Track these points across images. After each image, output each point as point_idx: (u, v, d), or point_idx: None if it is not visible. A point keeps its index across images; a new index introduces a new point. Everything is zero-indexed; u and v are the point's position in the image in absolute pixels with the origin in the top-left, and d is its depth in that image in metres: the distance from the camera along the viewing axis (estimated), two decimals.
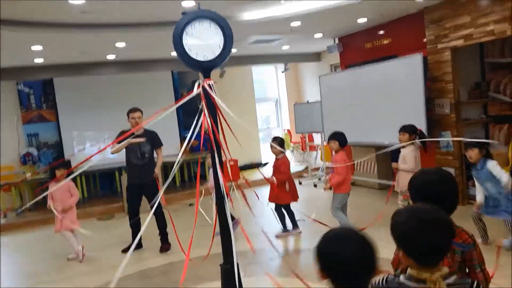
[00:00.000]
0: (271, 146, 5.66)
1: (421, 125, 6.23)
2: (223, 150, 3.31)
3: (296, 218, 5.75)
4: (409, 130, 5.14)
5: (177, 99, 10.19)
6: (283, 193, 5.54)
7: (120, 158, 5.82)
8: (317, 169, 9.88)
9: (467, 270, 1.92)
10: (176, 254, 5.17)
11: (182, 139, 10.46)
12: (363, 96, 7.34)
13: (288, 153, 11.36)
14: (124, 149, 5.52)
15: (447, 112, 6.31)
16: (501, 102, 6.53)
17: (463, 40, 5.90)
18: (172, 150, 10.11)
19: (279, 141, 5.64)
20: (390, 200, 5.36)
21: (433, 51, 6.40)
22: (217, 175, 3.20)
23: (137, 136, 5.48)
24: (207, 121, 3.17)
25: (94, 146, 9.38)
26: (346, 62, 8.64)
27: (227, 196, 3.18)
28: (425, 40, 6.54)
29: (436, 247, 1.48)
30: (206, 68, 3.22)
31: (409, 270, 1.56)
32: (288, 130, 11.69)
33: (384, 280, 1.66)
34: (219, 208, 3.23)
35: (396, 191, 5.31)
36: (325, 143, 9.34)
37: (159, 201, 5.42)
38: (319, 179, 9.24)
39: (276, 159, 5.70)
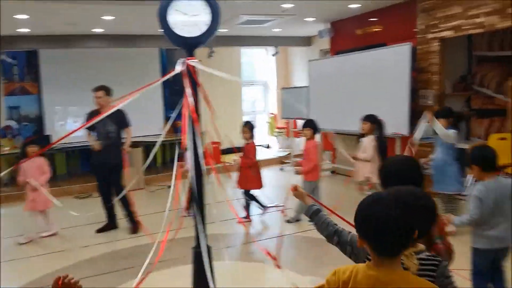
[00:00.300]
0: (243, 131, 5.66)
1: (404, 116, 6.28)
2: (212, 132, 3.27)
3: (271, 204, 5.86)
4: (371, 120, 5.27)
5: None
6: (250, 179, 5.53)
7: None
8: (299, 155, 9.90)
9: None
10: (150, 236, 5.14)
11: (167, 119, 10.37)
12: (351, 83, 7.33)
13: (273, 139, 11.38)
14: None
15: (431, 104, 6.34)
16: (485, 95, 6.58)
17: (453, 31, 5.90)
18: (156, 130, 10.02)
19: (249, 127, 5.66)
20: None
21: (422, 41, 6.40)
22: (195, 157, 3.17)
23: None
24: (188, 101, 3.11)
25: (76, 122, 9.23)
26: (336, 48, 8.61)
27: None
28: (415, 29, 6.53)
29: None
30: (190, 45, 3.16)
31: None
32: (274, 115, 11.66)
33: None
34: (195, 190, 3.21)
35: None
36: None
37: (120, 182, 5.39)
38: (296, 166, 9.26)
39: (246, 144, 5.69)
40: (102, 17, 6.96)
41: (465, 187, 4.84)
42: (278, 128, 11.41)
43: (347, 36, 8.26)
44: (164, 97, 10.01)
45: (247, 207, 5.71)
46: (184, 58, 3.17)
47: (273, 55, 11.21)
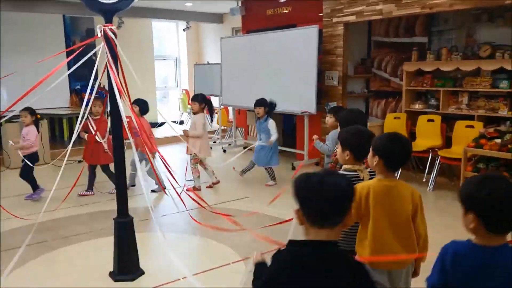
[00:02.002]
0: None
1: (312, 95, 6.68)
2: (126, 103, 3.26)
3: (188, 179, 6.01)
4: (199, 100, 5.69)
5: (68, 46, 9.48)
6: (102, 154, 5.38)
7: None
8: (213, 132, 10.04)
9: None
10: (67, 209, 4.98)
11: (73, 92, 9.85)
12: (261, 62, 7.58)
13: (184, 115, 11.36)
14: None
15: (335, 84, 6.83)
16: (381, 78, 7.24)
17: (355, 16, 6.37)
18: (61, 102, 9.50)
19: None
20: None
21: (328, 24, 6.81)
22: (116, 129, 3.17)
23: None
24: (110, 70, 3.08)
25: None
26: (248, 27, 8.79)
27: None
28: (321, 13, 6.92)
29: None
30: (108, 11, 3.11)
31: (344, 166, 2.44)
32: (187, 91, 11.61)
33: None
34: (116, 163, 3.23)
35: None
36: (222, 107, 9.55)
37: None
38: (214, 142, 9.41)
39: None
40: None
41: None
42: (190, 104, 11.39)
43: (258, 16, 8.47)
44: (69, 69, 9.45)
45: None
46: (99, 25, 3.14)
47: (184, 29, 11.11)
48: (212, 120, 6.18)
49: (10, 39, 8.66)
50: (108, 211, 4.77)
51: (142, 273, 3.32)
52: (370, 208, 2.11)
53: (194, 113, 5.79)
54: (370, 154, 2.20)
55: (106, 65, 3.13)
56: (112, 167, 5.00)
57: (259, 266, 1.65)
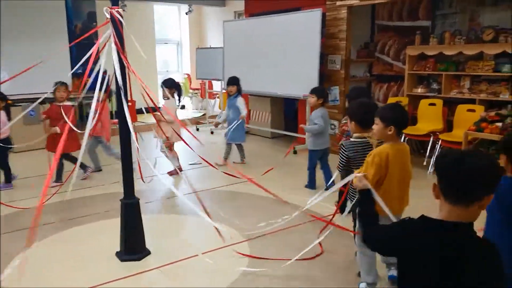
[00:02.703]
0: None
1: (314, 79, 6.68)
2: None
3: (191, 162, 6.10)
4: (169, 85, 5.72)
5: (70, 30, 9.45)
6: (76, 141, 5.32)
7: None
8: (214, 116, 10.05)
9: None
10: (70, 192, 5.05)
11: (75, 76, 9.84)
12: (264, 46, 7.56)
13: (186, 99, 11.37)
14: None
15: (338, 68, 6.83)
16: (384, 62, 7.24)
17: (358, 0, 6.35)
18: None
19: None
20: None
21: (331, 7, 6.78)
22: (123, 113, 3.20)
23: None
24: (119, 50, 3.11)
25: None
26: (251, 10, 8.74)
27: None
28: None
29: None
30: None
31: (355, 134, 2.99)
32: (188, 75, 11.60)
33: (342, 145, 3.05)
34: (123, 146, 3.27)
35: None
36: (224, 91, 9.54)
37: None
38: (216, 126, 9.43)
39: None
40: None
41: None
42: (192, 89, 11.39)
43: None
44: (71, 53, 9.45)
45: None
46: (105, 8, 3.15)
47: (186, 13, 11.05)
48: (179, 105, 6.18)
49: (12, 23, 8.62)
50: (111, 194, 4.85)
51: (148, 253, 3.39)
52: (388, 168, 2.58)
53: (165, 98, 5.77)
54: (381, 125, 2.59)
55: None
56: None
57: (366, 202, 2.09)
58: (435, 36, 6.16)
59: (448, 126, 5.96)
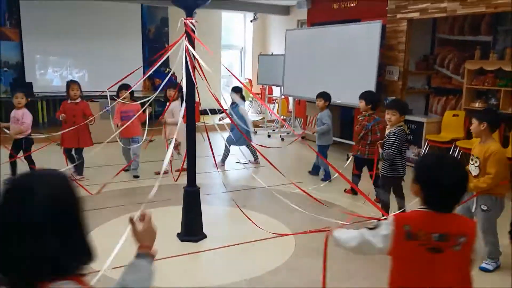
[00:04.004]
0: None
1: (371, 88, 6.85)
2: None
3: (244, 161, 6.57)
4: (175, 87, 5.69)
5: (144, 34, 10.24)
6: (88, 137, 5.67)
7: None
8: (273, 121, 10.44)
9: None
10: (141, 180, 5.63)
11: (147, 77, 10.61)
12: (324, 55, 7.83)
13: (247, 104, 11.85)
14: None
15: (395, 79, 6.96)
16: (443, 75, 7.26)
17: (419, 13, 6.47)
18: (136, 86, 10.27)
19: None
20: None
21: (392, 20, 6.94)
22: (190, 111, 3.64)
23: None
24: (189, 58, 3.55)
25: (56, 72, 9.40)
26: (313, 20, 9.05)
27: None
28: (387, 8, 7.05)
29: None
30: (190, 6, 3.57)
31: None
32: (250, 80, 12.08)
33: (395, 133, 4.15)
34: (189, 141, 3.72)
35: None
36: (283, 97, 9.89)
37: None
38: (273, 130, 9.81)
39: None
40: None
41: None
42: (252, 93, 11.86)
43: (324, 9, 8.71)
44: (144, 55, 10.24)
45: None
46: (182, 18, 3.60)
47: (251, 21, 11.55)
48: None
49: (92, 25, 9.48)
50: (175, 184, 5.37)
51: (205, 236, 3.81)
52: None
53: (171, 101, 5.81)
54: (486, 126, 3.27)
55: (184, 54, 3.58)
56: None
57: None
58: (495, 52, 6.14)
59: (505, 141, 5.92)
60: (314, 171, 6.25)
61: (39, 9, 8.92)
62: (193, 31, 3.56)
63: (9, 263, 1.04)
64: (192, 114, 3.62)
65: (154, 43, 10.32)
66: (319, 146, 5.97)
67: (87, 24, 9.35)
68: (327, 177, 5.82)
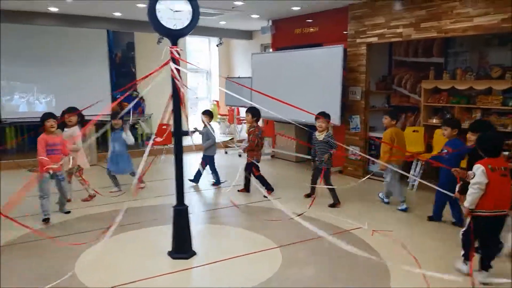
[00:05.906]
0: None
1: (336, 109, 7.26)
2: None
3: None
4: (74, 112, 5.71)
5: (111, 58, 10.30)
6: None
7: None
8: (241, 141, 10.68)
9: None
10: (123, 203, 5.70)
11: (113, 100, 10.63)
12: (289, 77, 8.21)
13: (215, 124, 12.08)
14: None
15: (358, 99, 7.42)
16: (401, 94, 7.82)
17: (377, 38, 6.99)
18: (104, 110, 10.27)
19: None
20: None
21: (352, 44, 7.44)
22: (177, 133, 3.86)
23: None
24: (176, 84, 3.77)
25: (22, 98, 9.30)
26: (277, 44, 9.48)
27: None
28: (346, 33, 7.55)
29: None
30: (175, 35, 3.81)
31: None
32: (217, 102, 12.35)
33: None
34: (176, 159, 3.91)
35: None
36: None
37: None
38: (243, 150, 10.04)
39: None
40: None
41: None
42: (220, 114, 12.11)
43: (287, 34, 9.16)
44: (111, 79, 10.27)
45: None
46: (167, 46, 3.83)
47: (217, 45, 11.89)
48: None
49: (59, 50, 9.48)
50: (155, 206, 5.49)
51: (194, 253, 3.97)
52: None
53: (69, 126, 5.72)
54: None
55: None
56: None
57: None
58: (448, 72, 6.73)
59: None
60: (196, 178, 6.84)
61: (3, 35, 8.83)
62: (179, 59, 3.78)
63: None
64: (179, 135, 3.82)
65: (121, 67, 10.41)
66: (206, 156, 6.72)
67: (53, 50, 9.36)
68: (218, 182, 6.73)
